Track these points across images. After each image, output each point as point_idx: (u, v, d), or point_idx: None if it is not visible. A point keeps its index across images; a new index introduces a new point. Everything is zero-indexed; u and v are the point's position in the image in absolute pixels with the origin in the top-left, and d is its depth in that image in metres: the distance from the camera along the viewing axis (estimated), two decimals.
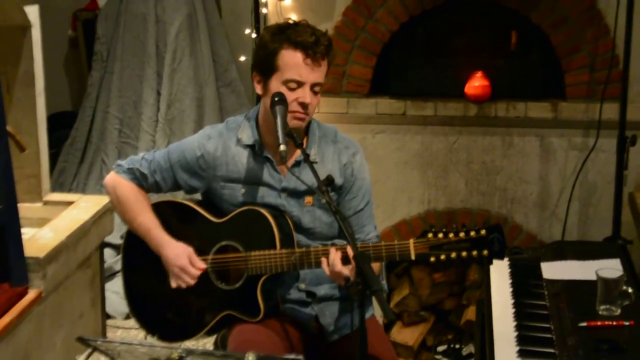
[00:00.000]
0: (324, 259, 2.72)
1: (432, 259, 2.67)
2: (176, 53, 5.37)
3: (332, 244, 2.90)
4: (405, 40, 4.80)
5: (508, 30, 4.76)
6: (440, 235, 2.67)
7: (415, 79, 4.80)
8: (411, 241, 2.69)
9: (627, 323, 2.78)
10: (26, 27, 3.84)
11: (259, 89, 2.88)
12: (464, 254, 2.65)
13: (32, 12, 3.87)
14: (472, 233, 2.65)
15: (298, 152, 2.85)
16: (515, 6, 4.60)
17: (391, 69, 4.82)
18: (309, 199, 2.94)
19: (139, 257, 3.10)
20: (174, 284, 2.95)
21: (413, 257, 2.69)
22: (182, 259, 2.91)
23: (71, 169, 5.65)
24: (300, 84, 2.78)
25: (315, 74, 2.79)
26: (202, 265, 2.92)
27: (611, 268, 2.91)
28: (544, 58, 4.71)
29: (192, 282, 2.91)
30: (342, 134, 3.05)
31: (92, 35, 5.75)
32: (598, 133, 4.60)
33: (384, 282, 3.02)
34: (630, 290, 2.86)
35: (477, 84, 4.64)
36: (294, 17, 4.65)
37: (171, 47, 5.36)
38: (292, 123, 2.79)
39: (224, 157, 2.95)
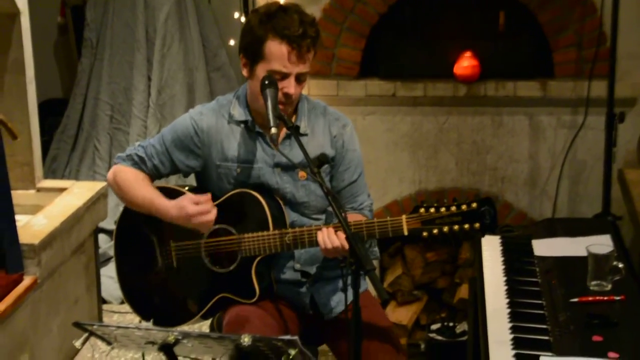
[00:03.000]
0: (319, 233, 2.74)
1: (425, 233, 2.70)
2: (165, 38, 5.38)
3: (325, 210, 2.95)
4: (393, 22, 4.80)
5: (496, 10, 4.76)
6: (432, 210, 2.69)
7: (405, 60, 4.80)
8: (403, 217, 2.72)
9: (618, 298, 2.81)
10: (15, 14, 3.84)
11: (245, 72, 2.90)
12: (456, 227, 2.68)
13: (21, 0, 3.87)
14: (464, 207, 2.68)
15: None
16: None
17: (380, 51, 4.83)
18: (302, 173, 2.95)
19: (132, 242, 3.11)
20: (204, 230, 2.89)
21: (406, 233, 2.72)
22: (187, 208, 2.81)
23: (63, 156, 5.66)
24: (285, 76, 2.80)
25: (300, 66, 2.80)
26: (206, 196, 2.83)
27: (601, 244, 2.93)
28: (532, 37, 4.72)
29: (211, 217, 2.79)
30: (331, 108, 3.07)
31: (81, 21, 5.75)
32: (586, 111, 4.62)
33: (375, 249, 3.05)
34: (620, 265, 2.88)
35: (466, 64, 4.64)
36: (282, 1, 4.65)
37: (160, 32, 5.36)
38: None
39: (219, 135, 2.96)
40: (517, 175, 4.82)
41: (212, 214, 2.83)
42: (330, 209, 2.96)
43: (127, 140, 5.46)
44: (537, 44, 4.70)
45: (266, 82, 2.77)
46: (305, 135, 2.94)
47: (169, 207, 2.90)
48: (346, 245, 2.63)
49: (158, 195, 2.94)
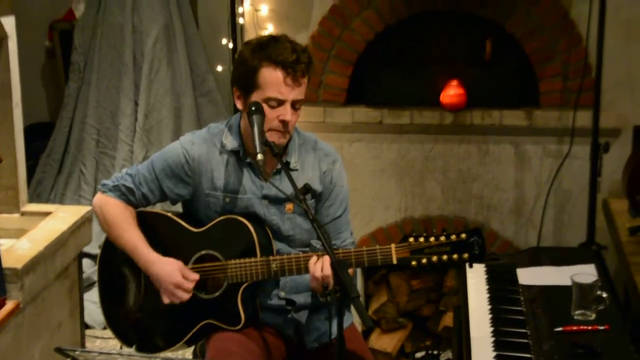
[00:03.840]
0: (312, 259, 2.73)
1: (414, 262, 2.70)
2: (153, 63, 5.37)
3: (309, 244, 2.94)
4: (381, 50, 4.83)
5: (483, 39, 4.80)
6: (421, 239, 2.70)
7: (392, 87, 4.83)
8: (393, 246, 2.72)
9: (602, 327, 2.82)
10: (2, 38, 3.83)
11: (239, 104, 2.89)
12: (444, 257, 2.69)
13: (8, 23, 3.86)
14: (453, 237, 2.69)
15: None
16: (489, 15, 4.64)
17: (367, 78, 4.85)
18: (289, 206, 2.95)
19: (115, 267, 3.09)
20: (166, 301, 2.92)
21: (395, 262, 2.72)
22: (175, 276, 2.89)
23: (49, 180, 5.63)
24: (281, 102, 2.80)
25: (295, 92, 2.81)
26: (195, 276, 2.91)
27: (586, 273, 2.95)
28: (518, 67, 4.75)
29: (187, 296, 2.90)
30: (322, 142, 3.07)
31: (69, 45, 5.74)
32: (572, 140, 4.65)
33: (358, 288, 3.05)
34: (604, 295, 2.89)
35: (452, 92, 4.67)
36: (270, 27, 4.68)
37: (148, 57, 5.36)
38: (274, 140, 2.80)
39: (209, 164, 2.95)
40: (502, 204, 4.84)
41: (187, 296, 2.90)
42: (314, 241, 2.97)
43: (113, 165, 5.44)
44: (523, 74, 4.73)
45: (253, 108, 2.77)
46: (295, 170, 2.94)
47: (153, 261, 2.93)
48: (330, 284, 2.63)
49: (143, 243, 2.95)
